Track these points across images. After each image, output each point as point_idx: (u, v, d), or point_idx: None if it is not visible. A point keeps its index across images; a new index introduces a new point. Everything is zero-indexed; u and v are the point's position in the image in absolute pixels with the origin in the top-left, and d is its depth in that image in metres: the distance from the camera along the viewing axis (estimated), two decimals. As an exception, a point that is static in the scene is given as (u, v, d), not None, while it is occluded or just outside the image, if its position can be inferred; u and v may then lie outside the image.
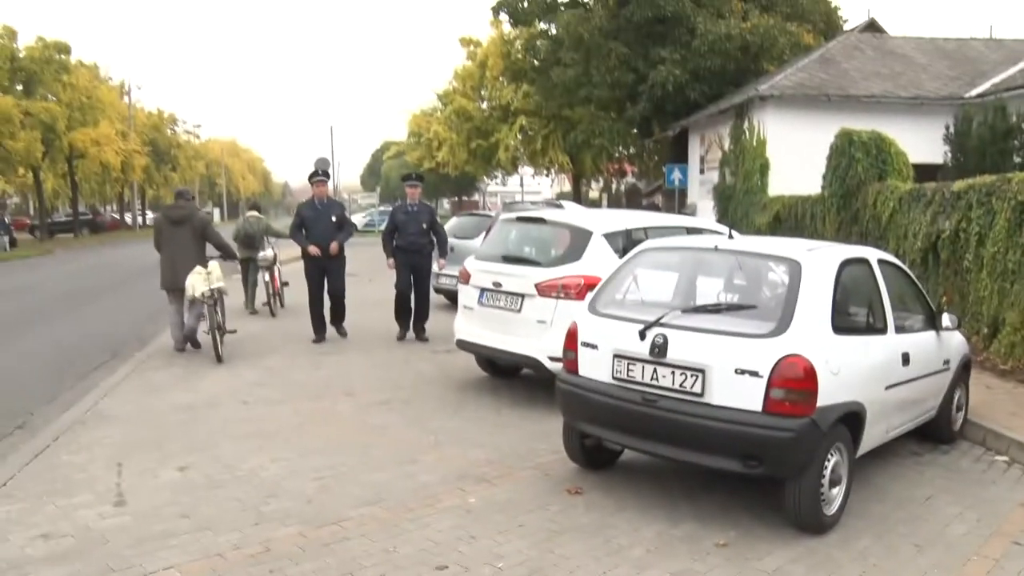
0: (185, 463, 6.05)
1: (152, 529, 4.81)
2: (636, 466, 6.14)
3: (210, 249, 10.51)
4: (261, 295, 14.12)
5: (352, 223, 11.61)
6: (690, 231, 8.25)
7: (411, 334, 11.39)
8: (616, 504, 5.37)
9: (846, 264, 5.47)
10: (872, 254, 6.08)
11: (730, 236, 5.90)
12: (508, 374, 9.04)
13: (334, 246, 10.92)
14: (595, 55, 25.63)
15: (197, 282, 9.91)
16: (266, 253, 13.85)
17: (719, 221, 20.59)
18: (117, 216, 61.36)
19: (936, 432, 6.89)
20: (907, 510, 5.44)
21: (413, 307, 11.34)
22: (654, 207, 31.10)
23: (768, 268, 5.48)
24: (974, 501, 5.63)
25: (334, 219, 11.09)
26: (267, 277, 13.83)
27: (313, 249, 10.85)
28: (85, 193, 53.91)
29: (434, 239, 11.28)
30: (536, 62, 30.33)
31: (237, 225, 14.57)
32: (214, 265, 10.26)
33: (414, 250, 11.11)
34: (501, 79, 33.37)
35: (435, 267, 11.71)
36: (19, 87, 39.55)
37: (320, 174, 11.11)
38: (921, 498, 5.67)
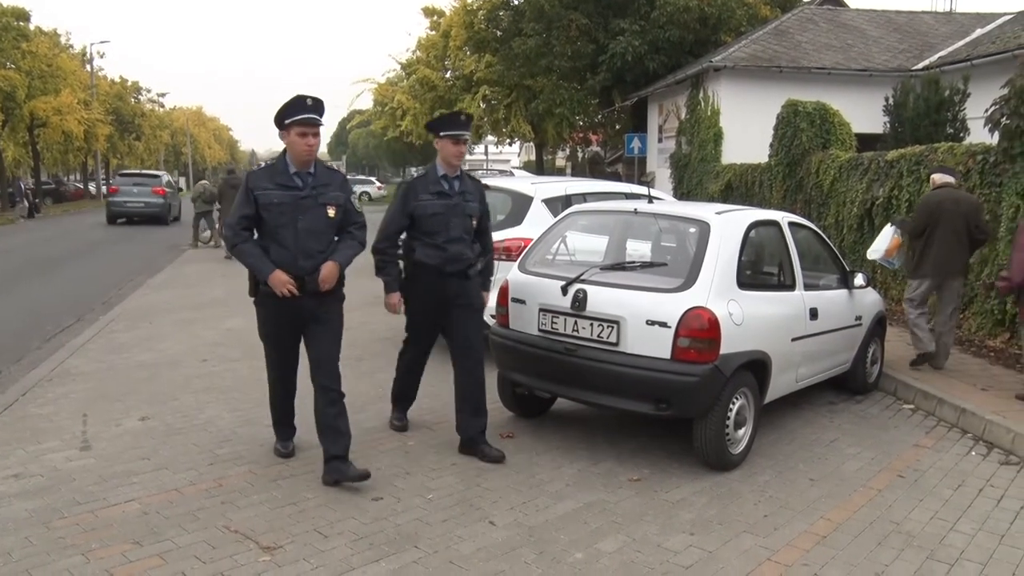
0: (146, 414, 6.37)
1: (115, 469, 5.18)
2: (566, 414, 6.56)
3: None
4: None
5: (363, 218, 5.28)
6: (628, 196, 8.70)
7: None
8: (543, 446, 5.80)
9: (754, 226, 5.90)
10: (784, 217, 6.45)
11: (649, 200, 6.36)
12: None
13: (329, 270, 4.84)
14: (556, 25, 25.86)
15: None
16: None
17: (675, 189, 21.06)
18: (80, 185, 60.68)
19: (852, 384, 7.35)
20: (811, 451, 5.90)
21: (462, 391, 5.66)
22: (616, 175, 31.45)
23: (681, 229, 5.94)
24: (873, 443, 6.11)
25: (332, 212, 4.91)
26: None
27: (282, 280, 4.74)
28: (48, 162, 53.14)
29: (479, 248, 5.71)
30: (498, 32, 30.47)
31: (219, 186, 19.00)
32: None
33: (454, 272, 5.48)
34: (464, 49, 33.45)
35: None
36: (-24, 55, 39.01)
37: (310, 104, 4.76)
38: (826, 440, 6.14)
